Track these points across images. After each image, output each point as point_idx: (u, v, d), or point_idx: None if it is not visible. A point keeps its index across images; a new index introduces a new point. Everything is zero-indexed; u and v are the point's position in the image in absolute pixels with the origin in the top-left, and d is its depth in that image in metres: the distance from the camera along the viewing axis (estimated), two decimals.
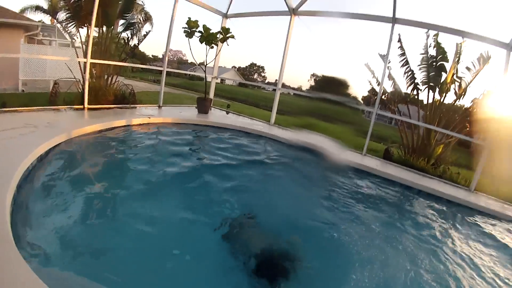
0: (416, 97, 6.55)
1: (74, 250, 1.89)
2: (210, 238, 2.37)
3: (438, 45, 5.91)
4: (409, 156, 6.08)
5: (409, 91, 6.57)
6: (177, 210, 2.70)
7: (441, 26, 5.12)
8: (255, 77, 69.89)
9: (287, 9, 6.39)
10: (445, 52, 5.88)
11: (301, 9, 6.31)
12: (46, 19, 11.74)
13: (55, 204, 2.29)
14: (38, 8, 10.45)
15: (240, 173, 3.94)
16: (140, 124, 4.95)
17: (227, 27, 6.56)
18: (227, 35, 6.40)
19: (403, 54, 6.33)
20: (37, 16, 12.44)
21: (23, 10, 12.84)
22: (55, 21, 6.79)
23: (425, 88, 6.26)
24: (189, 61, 59.55)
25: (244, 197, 3.29)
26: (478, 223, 3.56)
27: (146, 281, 1.78)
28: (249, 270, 2.04)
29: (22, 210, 2.03)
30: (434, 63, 5.98)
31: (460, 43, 5.77)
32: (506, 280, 2.45)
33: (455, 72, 5.89)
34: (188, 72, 17.84)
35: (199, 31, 6.13)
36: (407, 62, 6.35)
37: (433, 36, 5.90)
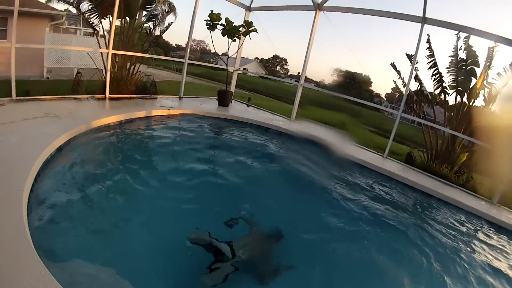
0: (443, 100, 6.22)
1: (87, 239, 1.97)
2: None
3: (469, 48, 5.58)
4: (432, 162, 5.82)
5: (435, 93, 6.25)
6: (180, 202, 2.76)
7: (473, 28, 4.80)
8: (277, 69, 66.79)
9: (312, 4, 6.20)
10: (476, 56, 5.56)
11: (326, 4, 6.11)
12: (71, 9, 12.04)
13: (71, 196, 2.35)
14: None
15: (255, 170, 3.94)
16: (160, 116, 5.00)
17: (250, 20, 6.48)
18: (250, 29, 6.33)
19: (432, 55, 6.01)
20: (61, 6, 12.79)
21: (48, 0, 13.19)
22: (79, 11, 6.89)
23: (453, 92, 5.94)
24: (212, 51, 59.03)
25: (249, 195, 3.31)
26: (498, 239, 3.40)
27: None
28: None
29: (39, 201, 2.09)
30: (464, 67, 5.67)
31: (492, 48, 5.42)
32: None
33: (485, 78, 5.54)
34: (210, 65, 17.96)
35: (222, 24, 6.10)
36: (435, 64, 6.03)
37: (464, 38, 5.57)
